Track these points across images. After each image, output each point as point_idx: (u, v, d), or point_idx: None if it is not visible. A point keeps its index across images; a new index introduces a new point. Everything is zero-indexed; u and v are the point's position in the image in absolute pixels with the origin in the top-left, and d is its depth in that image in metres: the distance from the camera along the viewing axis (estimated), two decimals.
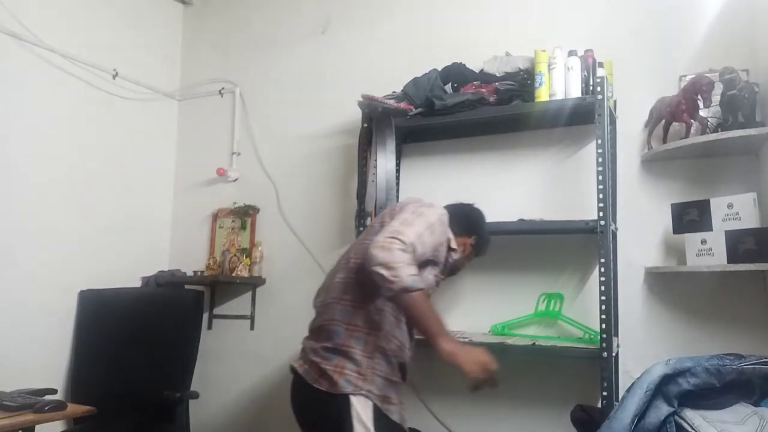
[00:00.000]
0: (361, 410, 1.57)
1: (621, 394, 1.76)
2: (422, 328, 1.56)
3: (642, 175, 2.30)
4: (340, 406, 1.58)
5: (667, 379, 1.43)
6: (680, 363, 1.44)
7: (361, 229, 2.44)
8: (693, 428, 1.35)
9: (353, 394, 1.58)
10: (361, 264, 1.64)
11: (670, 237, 2.18)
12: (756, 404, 1.44)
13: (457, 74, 2.47)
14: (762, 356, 1.46)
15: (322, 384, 1.61)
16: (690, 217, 2.05)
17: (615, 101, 2.30)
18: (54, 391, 2.40)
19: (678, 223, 2.09)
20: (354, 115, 2.64)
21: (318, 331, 1.73)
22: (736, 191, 2.02)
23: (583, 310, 2.28)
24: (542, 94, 2.21)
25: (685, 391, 1.41)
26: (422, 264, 1.67)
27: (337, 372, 1.60)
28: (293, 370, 1.73)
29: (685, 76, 2.18)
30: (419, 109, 2.41)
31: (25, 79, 2.62)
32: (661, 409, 1.40)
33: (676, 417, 1.40)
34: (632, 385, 1.50)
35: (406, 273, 1.51)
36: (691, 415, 1.38)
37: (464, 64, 2.48)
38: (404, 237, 1.56)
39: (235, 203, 3.11)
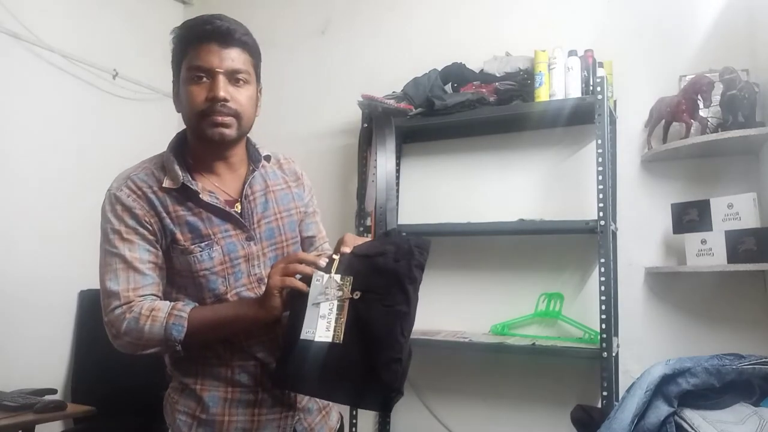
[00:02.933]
0: None
1: (621, 394, 1.76)
2: (233, 332, 1.17)
3: (642, 175, 2.30)
4: None
5: (666, 380, 1.43)
6: (680, 363, 1.44)
7: (361, 229, 2.44)
8: (693, 428, 1.35)
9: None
10: None
11: (670, 237, 2.18)
12: (756, 404, 1.44)
13: (457, 74, 2.47)
14: (762, 356, 1.46)
15: None
16: (690, 217, 2.05)
17: (615, 101, 2.30)
18: (54, 391, 2.40)
19: (678, 223, 2.09)
20: (354, 115, 2.64)
21: None
22: (736, 191, 2.02)
23: (583, 310, 2.28)
24: (542, 94, 2.22)
25: (684, 391, 1.41)
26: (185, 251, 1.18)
27: (166, 399, 1.33)
28: None
29: (685, 76, 2.18)
30: (419, 109, 2.41)
31: (25, 79, 2.62)
32: (661, 409, 1.40)
33: (676, 417, 1.40)
34: (632, 385, 1.50)
35: (160, 328, 1.10)
36: (691, 415, 1.38)
37: (464, 64, 2.48)
38: (113, 300, 1.17)
39: None
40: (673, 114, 2.10)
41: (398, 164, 2.66)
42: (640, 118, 2.29)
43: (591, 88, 2.16)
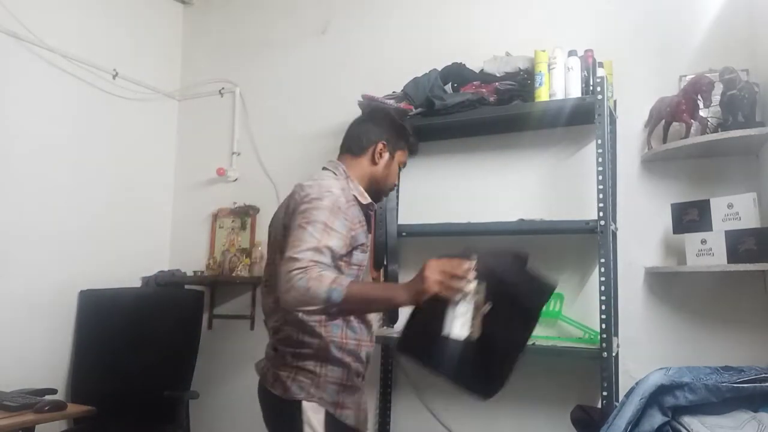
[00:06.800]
0: (313, 416, 1.54)
1: (621, 394, 1.76)
2: (378, 309, 1.52)
3: (642, 175, 2.30)
4: (293, 411, 1.55)
5: (663, 390, 1.42)
6: (679, 375, 1.42)
7: None
8: None
9: (306, 400, 1.56)
10: None
11: (670, 237, 2.18)
12: (755, 410, 1.43)
13: (457, 74, 2.47)
14: (761, 371, 1.44)
15: (276, 388, 1.60)
16: (690, 217, 2.05)
17: (615, 101, 2.29)
18: (54, 391, 2.40)
19: (678, 223, 2.09)
20: (354, 115, 2.61)
21: (275, 331, 1.67)
22: (736, 191, 2.02)
23: (583, 310, 2.28)
24: (542, 94, 2.21)
25: (680, 406, 1.40)
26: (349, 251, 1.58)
27: (290, 378, 1.58)
28: (256, 369, 1.74)
29: (685, 76, 2.18)
30: (419, 109, 2.41)
31: (25, 79, 2.63)
32: (655, 418, 1.39)
33: (673, 422, 1.39)
34: (631, 390, 1.49)
35: (322, 291, 1.34)
36: (689, 420, 1.37)
37: (464, 64, 2.48)
38: (300, 256, 1.41)
39: (235, 203, 3.10)
40: (673, 114, 2.10)
41: None
42: (640, 118, 2.28)
43: (591, 88, 2.15)
